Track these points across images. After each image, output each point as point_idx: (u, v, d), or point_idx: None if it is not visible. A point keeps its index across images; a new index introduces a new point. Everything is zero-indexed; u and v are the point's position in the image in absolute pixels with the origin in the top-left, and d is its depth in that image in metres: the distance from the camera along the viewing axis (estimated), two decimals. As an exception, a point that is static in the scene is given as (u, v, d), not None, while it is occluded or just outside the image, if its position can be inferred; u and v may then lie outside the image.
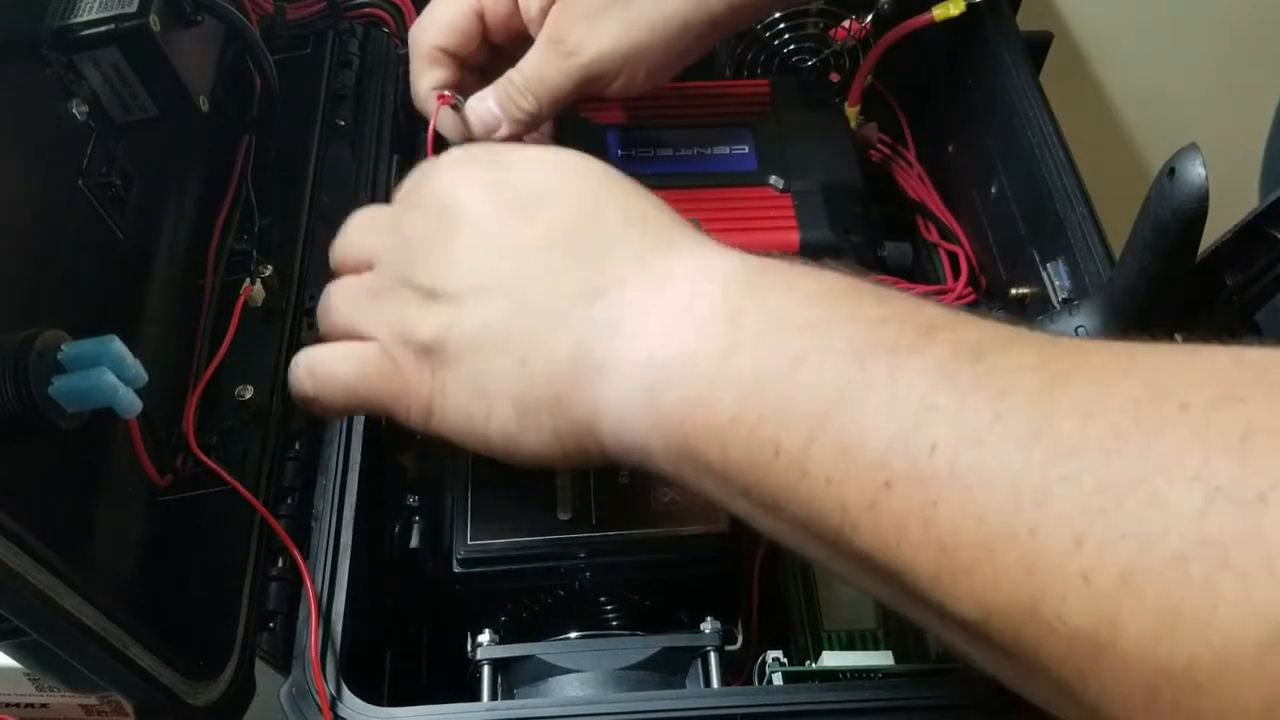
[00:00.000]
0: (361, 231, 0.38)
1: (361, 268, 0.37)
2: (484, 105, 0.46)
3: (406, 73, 0.53)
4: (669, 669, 0.39)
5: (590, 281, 0.32)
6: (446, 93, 0.46)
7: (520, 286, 0.33)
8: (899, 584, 0.26)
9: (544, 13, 0.45)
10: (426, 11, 0.47)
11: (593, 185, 0.35)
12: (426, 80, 0.46)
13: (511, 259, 0.34)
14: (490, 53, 0.47)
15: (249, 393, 0.40)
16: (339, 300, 0.37)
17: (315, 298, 0.40)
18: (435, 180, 0.36)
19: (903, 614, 0.29)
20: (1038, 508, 0.23)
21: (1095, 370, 0.25)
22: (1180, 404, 0.23)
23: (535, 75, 0.45)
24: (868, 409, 0.26)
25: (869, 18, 0.57)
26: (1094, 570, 0.22)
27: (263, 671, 0.36)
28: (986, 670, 0.27)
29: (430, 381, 0.34)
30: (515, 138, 0.46)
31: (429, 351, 0.34)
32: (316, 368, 0.36)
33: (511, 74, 0.45)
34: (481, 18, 0.46)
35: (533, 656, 0.39)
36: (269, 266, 0.43)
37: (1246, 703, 0.21)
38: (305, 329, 0.43)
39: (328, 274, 0.38)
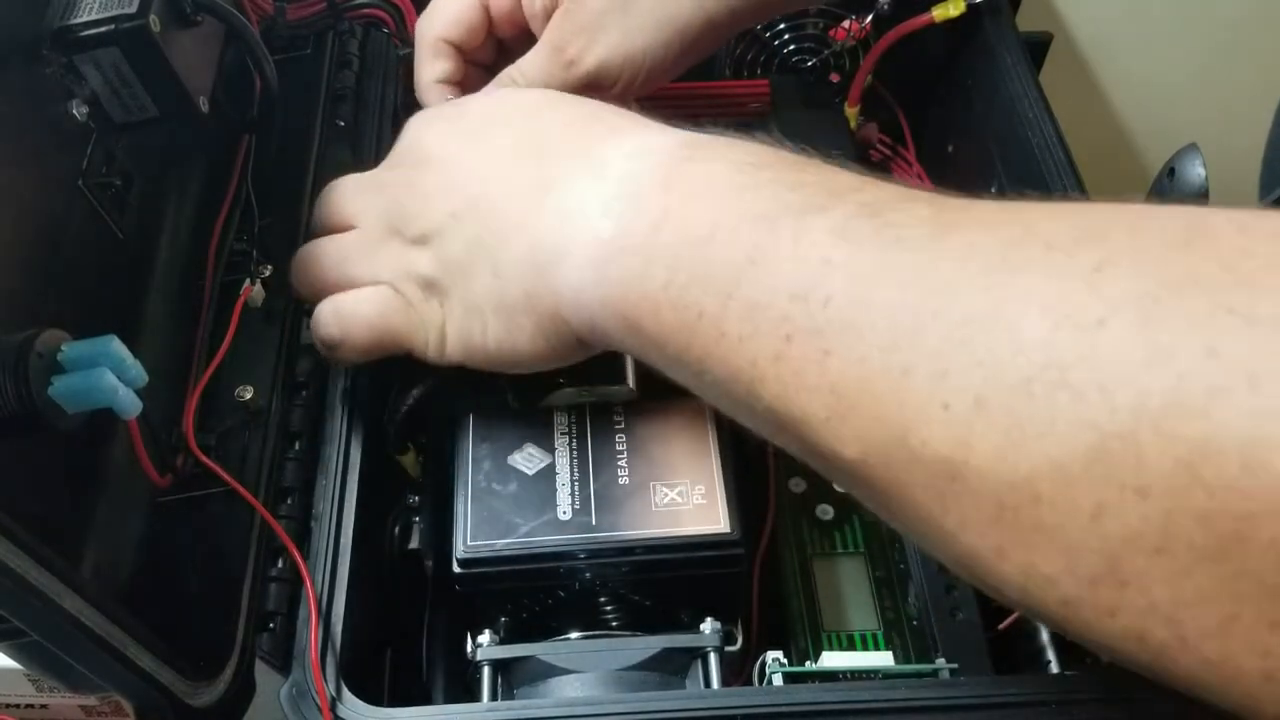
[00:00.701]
0: (344, 194, 0.40)
1: (342, 228, 0.40)
2: None
3: (407, 73, 0.53)
4: (669, 669, 0.39)
5: (539, 181, 0.35)
6: (448, 94, 0.46)
7: (481, 204, 0.36)
8: (798, 434, 0.28)
9: (546, 12, 0.45)
10: (433, 3, 0.47)
11: (542, 101, 0.38)
12: (430, 72, 0.47)
13: (474, 182, 0.36)
14: (494, 46, 0.48)
15: (249, 393, 0.40)
16: (327, 256, 0.40)
17: (315, 298, 0.40)
18: (408, 138, 0.40)
19: (809, 464, 0.30)
20: (911, 344, 0.25)
21: (981, 219, 0.27)
22: (1046, 243, 0.25)
23: (536, 81, 0.45)
24: (774, 268, 0.28)
25: (869, 18, 0.57)
26: (953, 398, 0.24)
27: (262, 672, 0.35)
28: (869, 507, 0.29)
29: (440, 311, 0.37)
30: None
31: (431, 285, 0.37)
32: (342, 309, 0.39)
33: (514, 76, 0.46)
34: (487, 10, 0.46)
35: (533, 657, 0.39)
36: (269, 266, 0.43)
37: (1079, 508, 0.23)
38: (306, 329, 0.43)
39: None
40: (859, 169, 0.31)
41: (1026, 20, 0.58)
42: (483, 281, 0.36)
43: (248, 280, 0.42)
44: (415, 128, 0.40)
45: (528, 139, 0.37)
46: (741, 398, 0.30)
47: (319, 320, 0.39)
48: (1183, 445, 0.21)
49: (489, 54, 0.48)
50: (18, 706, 0.37)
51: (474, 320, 0.36)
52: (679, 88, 0.55)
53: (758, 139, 0.33)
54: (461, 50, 0.47)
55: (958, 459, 0.24)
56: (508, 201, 0.35)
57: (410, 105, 0.52)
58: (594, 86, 0.45)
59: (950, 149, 0.58)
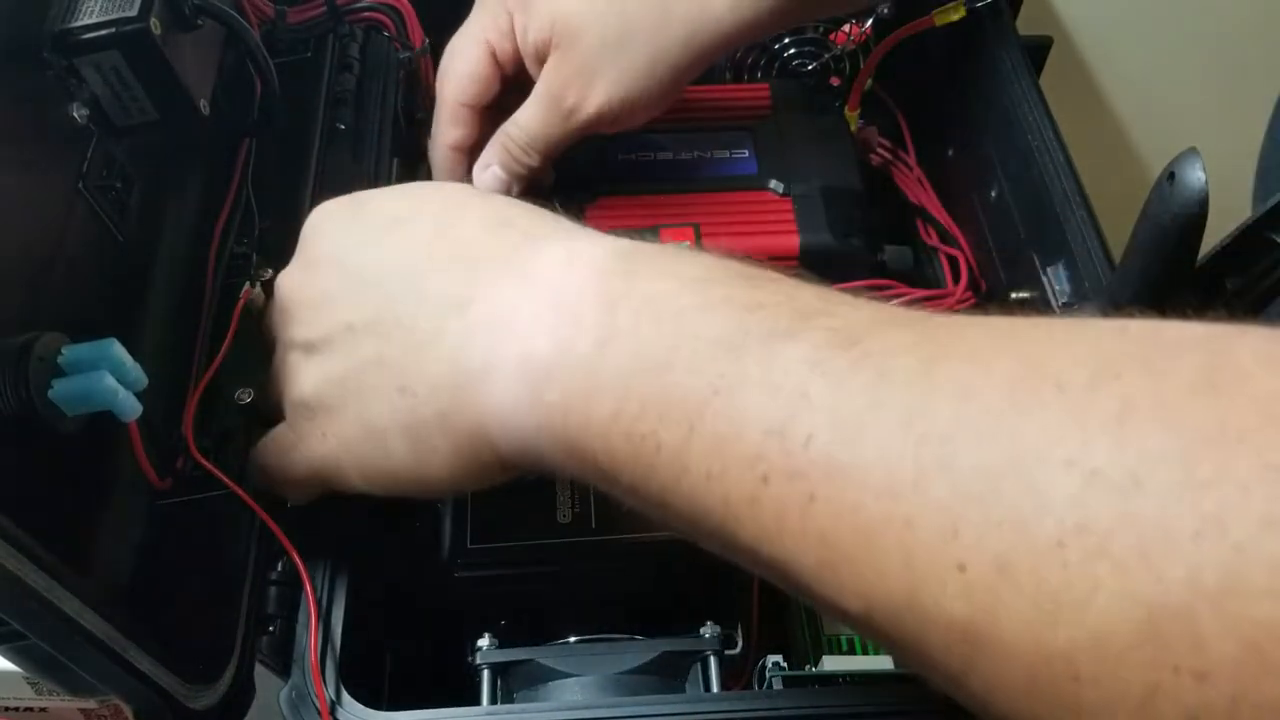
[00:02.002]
0: (271, 310, 0.38)
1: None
2: (490, 174, 0.48)
3: (407, 76, 0.54)
4: (669, 673, 0.39)
5: (455, 291, 0.31)
6: (460, 161, 0.49)
7: (386, 314, 0.32)
8: (784, 574, 0.26)
9: (539, 55, 0.45)
10: (446, 62, 0.49)
11: (449, 199, 0.35)
12: (446, 137, 0.49)
13: (374, 289, 0.33)
14: (504, 88, 0.49)
15: (249, 396, 0.40)
16: (269, 384, 0.37)
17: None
18: (304, 238, 0.36)
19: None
20: (913, 496, 0.23)
21: (972, 349, 0.24)
22: (1057, 383, 0.22)
23: (538, 134, 0.46)
24: (742, 401, 0.26)
25: (869, 22, 0.57)
26: (970, 559, 0.22)
27: (262, 675, 0.35)
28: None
29: (325, 441, 0.34)
30: (525, 190, 0.48)
31: (313, 408, 0.34)
32: (252, 462, 0.37)
33: (512, 132, 0.47)
34: (494, 57, 0.47)
35: (532, 660, 0.39)
36: (269, 270, 0.42)
37: (1127, 690, 0.20)
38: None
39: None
40: (813, 279, 0.29)
41: (1026, 24, 0.58)
42: (385, 401, 0.32)
43: (248, 283, 0.42)
44: (313, 223, 0.37)
45: (438, 244, 0.33)
46: (713, 533, 0.27)
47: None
48: (1249, 627, 0.19)
49: (501, 99, 0.49)
50: (17, 710, 0.37)
51: (373, 444, 0.33)
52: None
53: (704, 250, 0.31)
54: (477, 109, 0.48)
55: (980, 625, 0.22)
56: (418, 313, 0.32)
57: (411, 108, 0.53)
58: (594, 129, 0.46)
59: (950, 152, 0.58)
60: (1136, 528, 0.20)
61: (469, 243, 0.33)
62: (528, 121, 0.46)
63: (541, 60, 0.46)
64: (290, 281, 0.36)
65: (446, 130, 0.48)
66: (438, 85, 0.49)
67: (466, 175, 0.49)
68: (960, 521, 0.22)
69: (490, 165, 0.48)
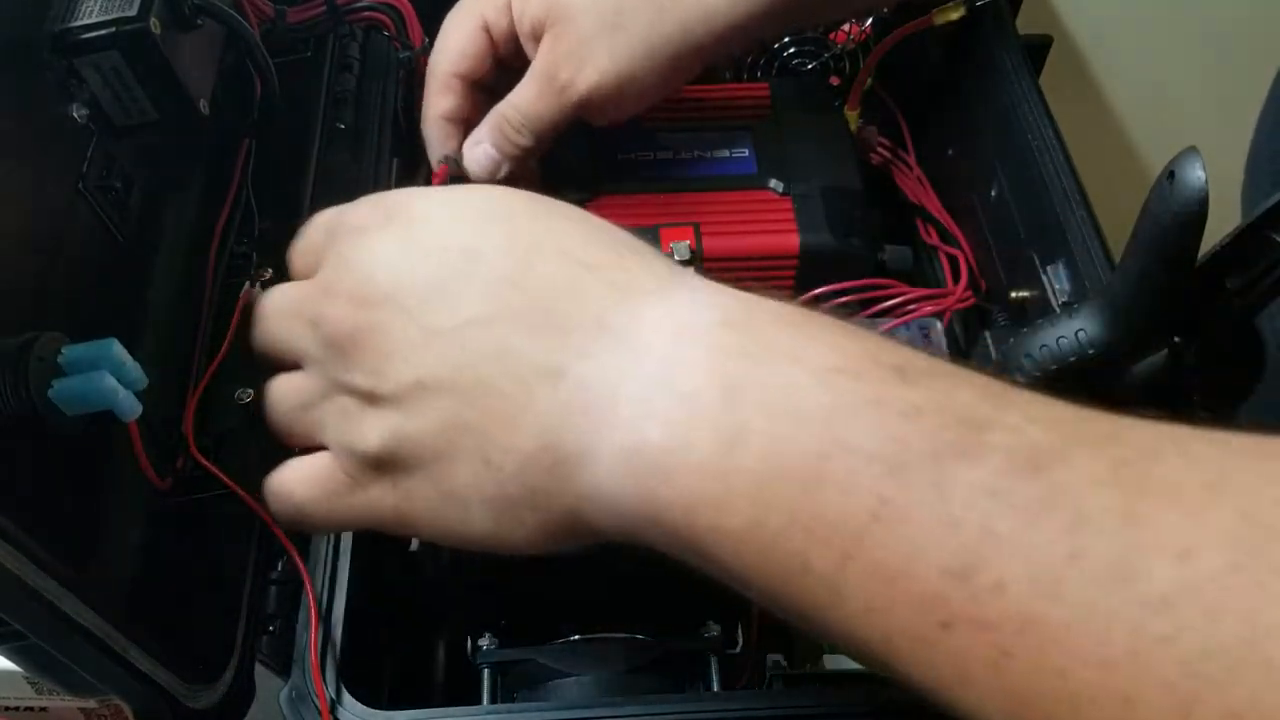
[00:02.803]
0: (281, 320, 0.33)
1: (291, 361, 0.33)
2: (481, 150, 0.47)
3: (407, 76, 0.54)
4: (669, 673, 0.39)
5: (544, 358, 0.28)
6: (444, 162, 0.48)
7: (464, 374, 0.28)
8: (955, 712, 0.24)
9: (535, 35, 0.46)
10: (440, 38, 0.49)
11: (525, 228, 0.30)
12: (437, 107, 0.48)
13: (447, 343, 0.29)
14: (496, 68, 0.49)
15: (249, 396, 0.40)
16: (277, 403, 0.33)
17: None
18: (343, 254, 0.32)
19: None
20: (1133, 670, 0.20)
21: (1177, 487, 0.22)
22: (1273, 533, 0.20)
23: (530, 112, 0.46)
24: (913, 531, 0.23)
25: (869, 21, 0.57)
26: None
27: (262, 675, 0.35)
28: None
29: (393, 493, 0.30)
30: (515, 171, 0.48)
31: (383, 464, 0.30)
32: (276, 498, 0.33)
33: (505, 111, 0.47)
34: (488, 32, 0.47)
35: (533, 660, 0.39)
36: (269, 269, 0.42)
37: None
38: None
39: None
40: (965, 365, 0.26)
41: (1026, 23, 0.58)
42: (469, 470, 0.29)
43: (248, 283, 0.42)
44: (354, 241, 0.32)
45: (519, 292, 0.29)
46: (863, 659, 0.25)
47: (266, 499, 0.34)
48: None
49: (493, 78, 0.49)
50: (17, 709, 0.37)
51: (451, 508, 0.30)
52: (679, 91, 0.55)
53: (825, 311, 0.28)
54: (469, 80, 0.48)
55: None
56: (502, 379, 0.28)
57: (411, 108, 0.53)
58: (587, 110, 0.46)
59: (950, 152, 0.58)
60: None
61: (552, 297, 0.29)
62: (521, 99, 0.46)
63: (537, 38, 0.46)
64: (338, 315, 0.31)
65: (437, 100, 0.48)
66: (430, 58, 0.49)
67: (458, 150, 0.49)
68: (1191, 704, 0.20)
69: (482, 142, 0.47)
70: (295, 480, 0.33)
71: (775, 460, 0.25)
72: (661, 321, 0.28)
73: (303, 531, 0.35)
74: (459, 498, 0.29)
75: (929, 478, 0.23)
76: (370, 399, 0.30)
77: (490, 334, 0.28)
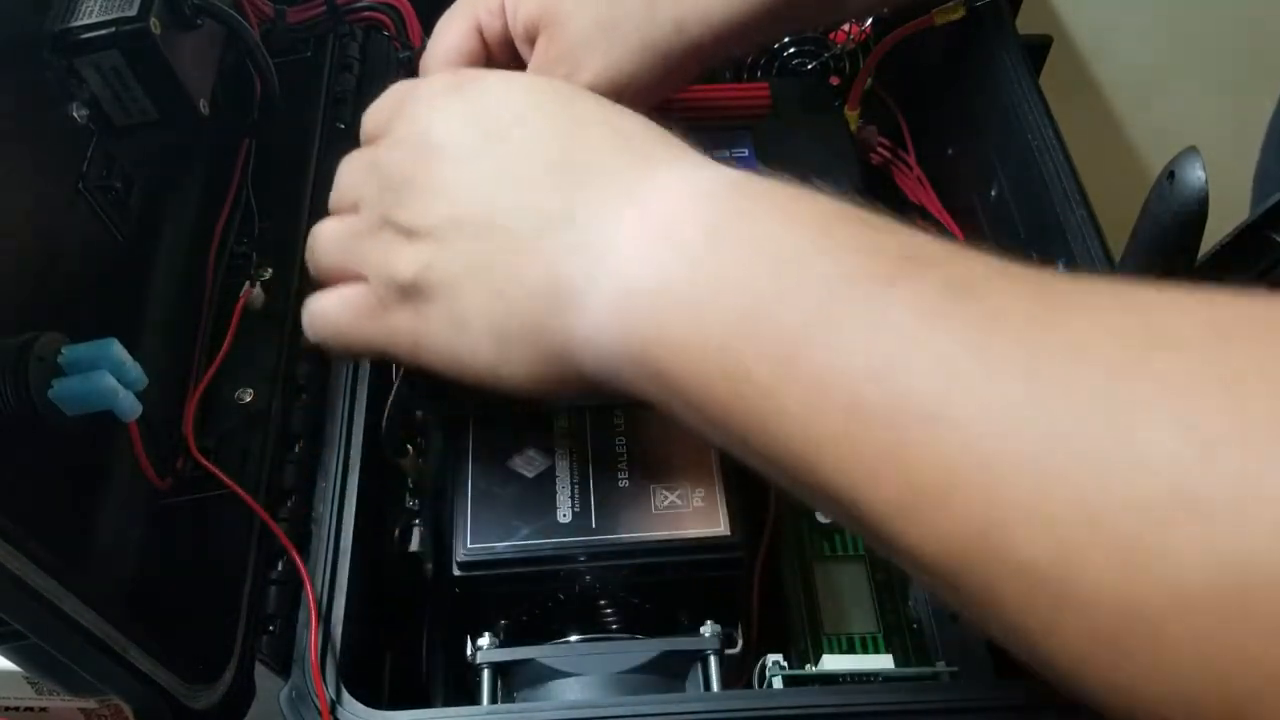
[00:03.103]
0: (349, 174, 0.38)
1: (349, 210, 0.37)
2: None
3: (407, 76, 0.53)
4: (669, 672, 0.39)
5: (563, 206, 0.32)
6: None
7: (493, 216, 0.33)
8: (859, 516, 0.26)
9: (529, 36, 0.45)
10: (432, 39, 0.48)
11: (566, 104, 0.35)
12: None
13: (484, 188, 0.33)
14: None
15: (249, 396, 0.40)
16: (325, 242, 0.37)
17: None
18: (410, 112, 0.36)
19: (872, 546, 0.28)
20: (1010, 445, 0.23)
21: (1089, 306, 0.24)
22: (1172, 344, 0.22)
23: None
24: (845, 344, 0.26)
25: (869, 21, 0.57)
26: (1060, 510, 0.22)
27: (262, 675, 0.35)
28: (938, 597, 0.27)
29: (414, 319, 0.34)
30: None
31: (411, 291, 0.34)
32: (316, 312, 0.37)
33: None
34: (481, 34, 0.47)
35: (533, 660, 0.39)
36: (269, 269, 0.43)
37: (1208, 652, 0.20)
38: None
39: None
40: (936, 232, 0.29)
41: (1026, 23, 0.58)
42: (480, 300, 0.33)
43: (247, 283, 0.42)
44: (422, 103, 0.36)
45: (553, 150, 0.33)
46: (789, 471, 0.27)
47: (304, 318, 0.38)
48: None
49: None
50: (17, 709, 0.37)
51: (461, 338, 0.33)
52: (679, 91, 0.55)
53: (817, 187, 0.30)
54: None
55: (1062, 577, 0.22)
56: (524, 225, 0.32)
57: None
58: None
59: (950, 152, 0.58)
60: (1238, 488, 0.20)
61: (586, 157, 0.33)
62: None
63: (531, 41, 0.45)
64: (396, 160, 0.35)
65: None
66: (422, 60, 0.48)
67: None
68: (1056, 473, 0.22)
69: None
70: (333, 303, 0.37)
71: (740, 290, 0.28)
72: (670, 183, 0.31)
73: (331, 353, 0.39)
74: (470, 327, 0.33)
75: (867, 294, 0.26)
76: (410, 234, 0.34)
77: (523, 186, 0.33)
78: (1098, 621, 0.22)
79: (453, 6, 0.48)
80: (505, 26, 0.46)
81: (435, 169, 0.34)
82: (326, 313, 0.37)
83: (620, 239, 0.30)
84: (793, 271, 0.27)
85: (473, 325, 0.33)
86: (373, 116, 0.38)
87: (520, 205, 0.32)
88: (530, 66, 0.46)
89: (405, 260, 0.34)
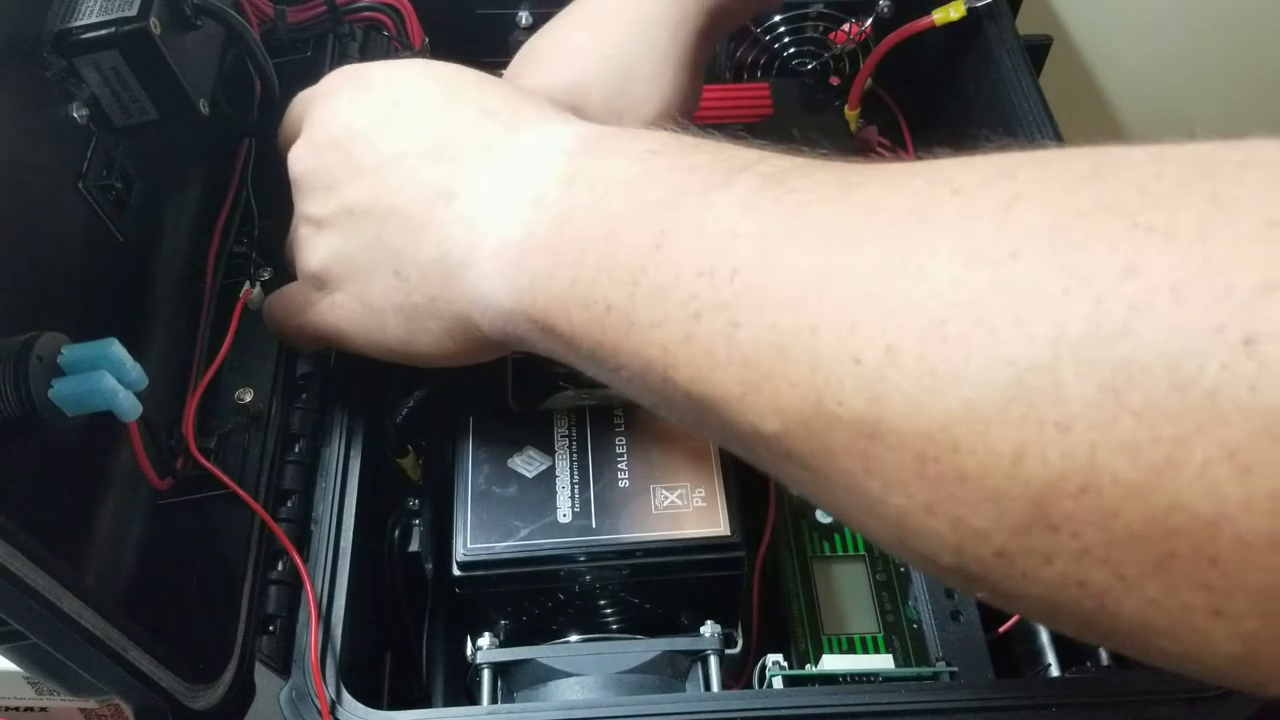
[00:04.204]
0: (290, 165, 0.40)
1: None
2: None
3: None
4: (669, 672, 0.39)
5: (444, 183, 0.34)
6: None
7: (382, 201, 0.35)
8: (717, 416, 0.27)
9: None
10: None
11: (446, 86, 0.37)
12: None
13: (373, 175, 0.35)
14: None
15: (249, 396, 0.40)
16: (287, 240, 0.40)
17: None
18: (314, 114, 0.38)
19: (731, 451, 0.30)
20: (819, 302, 0.25)
21: (887, 176, 0.26)
22: (954, 188, 0.24)
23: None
24: (679, 249, 0.28)
25: (869, 21, 0.57)
26: (864, 350, 0.23)
27: (262, 675, 0.35)
28: (796, 492, 0.28)
29: (331, 308, 0.37)
30: None
31: (322, 280, 0.37)
32: (264, 313, 0.41)
33: None
34: None
35: (532, 660, 0.39)
36: (269, 269, 0.42)
37: (999, 451, 0.21)
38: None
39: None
40: (759, 144, 0.30)
41: (1026, 23, 0.58)
42: (382, 281, 0.35)
43: (247, 283, 0.42)
44: (323, 98, 0.39)
45: (431, 133, 0.35)
46: (658, 387, 0.29)
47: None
48: (1106, 369, 0.20)
49: None
50: (17, 710, 0.37)
51: (370, 318, 0.36)
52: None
53: (662, 127, 0.33)
54: None
55: (874, 414, 0.23)
56: (412, 205, 0.34)
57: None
58: (579, 107, 0.45)
59: (950, 152, 0.58)
60: (1010, 293, 0.22)
61: (457, 134, 0.35)
62: None
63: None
64: (301, 158, 0.38)
65: None
66: None
67: None
68: (856, 319, 0.24)
69: None
70: (273, 301, 0.40)
71: (589, 226, 0.30)
72: (533, 143, 0.33)
73: (289, 347, 0.41)
74: (376, 308, 0.36)
75: (697, 206, 0.28)
76: (319, 225, 0.37)
77: (404, 167, 0.35)
78: (907, 452, 0.23)
79: None
80: None
81: (331, 163, 0.36)
82: (267, 310, 0.40)
83: (491, 202, 0.33)
84: (631, 200, 0.30)
85: (379, 306, 0.35)
86: (287, 123, 0.40)
87: (405, 185, 0.34)
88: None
89: (313, 251, 0.37)
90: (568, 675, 0.39)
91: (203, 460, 0.37)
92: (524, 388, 0.41)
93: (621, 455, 0.41)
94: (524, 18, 0.57)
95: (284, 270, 0.42)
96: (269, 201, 0.44)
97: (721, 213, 0.27)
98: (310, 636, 0.36)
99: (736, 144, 0.31)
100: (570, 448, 0.41)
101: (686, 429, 0.31)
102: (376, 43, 0.54)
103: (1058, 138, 0.49)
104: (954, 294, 0.22)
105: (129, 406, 0.31)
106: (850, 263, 0.24)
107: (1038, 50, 0.58)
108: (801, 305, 0.25)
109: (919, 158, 0.59)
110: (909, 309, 0.23)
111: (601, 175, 0.31)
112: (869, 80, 0.57)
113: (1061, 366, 0.21)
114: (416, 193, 0.34)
